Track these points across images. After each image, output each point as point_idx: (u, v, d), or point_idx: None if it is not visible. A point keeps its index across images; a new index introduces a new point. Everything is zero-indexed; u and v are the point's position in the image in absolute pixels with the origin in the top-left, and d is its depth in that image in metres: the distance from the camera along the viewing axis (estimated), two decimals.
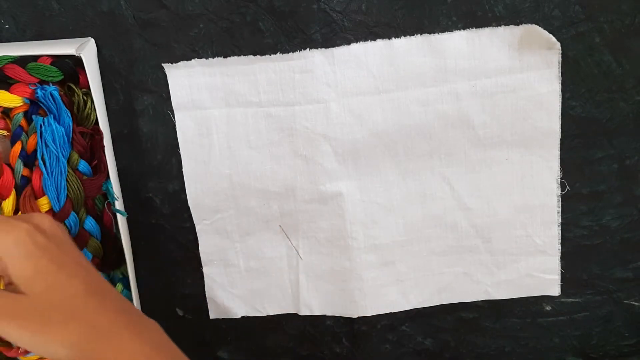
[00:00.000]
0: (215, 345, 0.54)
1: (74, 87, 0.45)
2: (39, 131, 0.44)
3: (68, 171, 0.45)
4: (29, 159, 0.45)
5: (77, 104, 0.45)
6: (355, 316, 0.52)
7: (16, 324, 0.34)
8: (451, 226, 0.50)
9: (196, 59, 0.46)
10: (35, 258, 0.35)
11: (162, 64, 0.46)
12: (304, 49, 0.45)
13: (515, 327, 0.54)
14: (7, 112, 0.45)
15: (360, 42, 0.45)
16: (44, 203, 0.45)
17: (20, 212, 0.45)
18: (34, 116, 0.44)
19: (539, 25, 0.44)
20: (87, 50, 0.44)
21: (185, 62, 0.46)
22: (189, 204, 0.50)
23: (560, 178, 0.48)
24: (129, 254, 0.49)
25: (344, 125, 0.47)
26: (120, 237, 0.49)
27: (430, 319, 0.54)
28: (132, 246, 0.50)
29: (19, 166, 0.45)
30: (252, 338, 0.54)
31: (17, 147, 0.45)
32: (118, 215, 0.48)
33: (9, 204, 0.45)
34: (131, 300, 0.51)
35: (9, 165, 0.45)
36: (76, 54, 0.43)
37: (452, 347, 0.55)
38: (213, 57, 0.46)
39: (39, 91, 0.44)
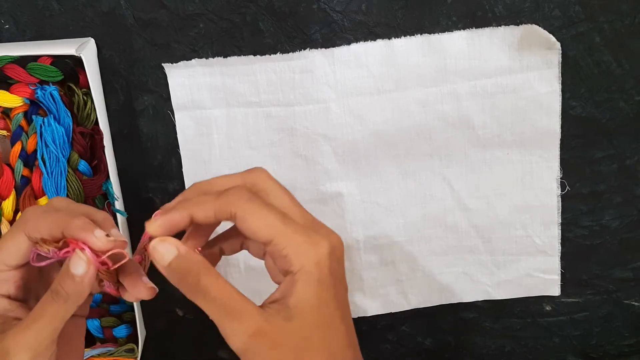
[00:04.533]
0: (215, 345, 0.54)
1: (74, 87, 0.45)
2: (39, 131, 0.44)
3: (68, 171, 0.45)
4: (29, 159, 0.45)
5: (77, 104, 0.45)
6: (355, 316, 0.52)
7: (274, 352, 0.30)
8: (451, 226, 0.50)
9: (196, 59, 0.46)
10: (325, 287, 0.31)
11: (162, 64, 0.46)
12: (304, 49, 0.45)
13: (515, 327, 0.54)
14: (7, 112, 0.45)
15: (360, 42, 0.45)
16: (44, 203, 0.45)
17: (20, 213, 0.46)
18: (34, 116, 0.44)
19: (539, 25, 0.44)
20: (87, 50, 0.44)
21: (185, 62, 0.46)
22: None
23: (560, 178, 0.48)
24: (129, 254, 0.49)
25: (344, 126, 0.47)
26: None
27: (430, 319, 0.54)
28: (132, 246, 0.50)
29: (19, 166, 0.45)
30: None
31: (17, 147, 0.45)
32: (118, 215, 0.48)
33: (9, 204, 0.45)
34: None
35: (9, 165, 0.45)
36: (76, 54, 0.43)
37: (452, 347, 0.55)
38: (213, 57, 0.46)
39: (39, 91, 0.44)
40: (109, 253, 0.31)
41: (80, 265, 0.31)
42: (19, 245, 0.32)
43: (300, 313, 0.30)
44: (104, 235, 0.31)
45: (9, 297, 0.34)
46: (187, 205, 0.32)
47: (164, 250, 0.31)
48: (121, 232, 0.48)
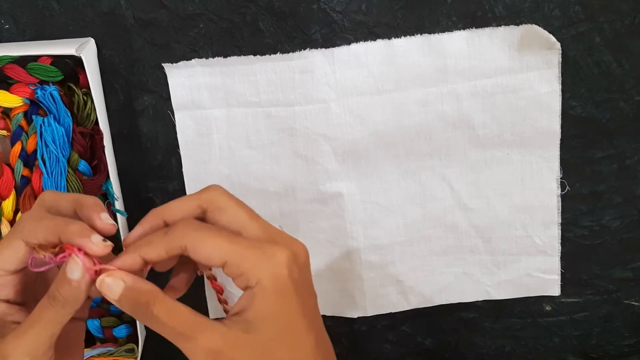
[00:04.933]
0: None
1: (74, 87, 0.45)
2: (39, 131, 0.44)
3: (68, 171, 0.45)
4: (29, 159, 0.45)
5: (77, 104, 0.45)
6: (355, 316, 0.52)
7: None
8: (451, 226, 0.50)
9: (196, 59, 0.46)
10: (286, 297, 0.31)
11: (162, 64, 0.46)
12: (304, 49, 0.45)
13: (515, 327, 0.54)
14: (7, 112, 0.45)
15: (360, 42, 0.45)
16: None
17: (20, 213, 0.46)
18: (34, 116, 0.44)
19: (539, 25, 0.44)
20: (87, 50, 0.44)
21: (185, 62, 0.46)
22: None
23: (560, 178, 0.48)
24: None
25: (344, 126, 0.47)
26: (120, 237, 0.49)
27: (430, 319, 0.54)
28: None
29: (19, 166, 0.45)
30: None
31: (17, 147, 0.45)
32: (118, 215, 0.48)
33: (9, 204, 0.45)
34: None
35: (9, 165, 0.45)
36: (76, 54, 0.43)
37: (452, 347, 0.55)
38: (213, 57, 0.46)
39: (39, 91, 0.44)
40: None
41: (77, 271, 0.31)
42: (16, 251, 0.32)
43: (260, 325, 0.30)
44: (101, 240, 0.31)
45: (7, 301, 0.34)
46: (137, 248, 0.32)
47: (112, 285, 0.31)
48: (121, 233, 0.48)
